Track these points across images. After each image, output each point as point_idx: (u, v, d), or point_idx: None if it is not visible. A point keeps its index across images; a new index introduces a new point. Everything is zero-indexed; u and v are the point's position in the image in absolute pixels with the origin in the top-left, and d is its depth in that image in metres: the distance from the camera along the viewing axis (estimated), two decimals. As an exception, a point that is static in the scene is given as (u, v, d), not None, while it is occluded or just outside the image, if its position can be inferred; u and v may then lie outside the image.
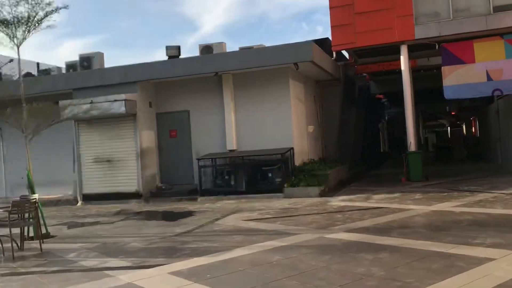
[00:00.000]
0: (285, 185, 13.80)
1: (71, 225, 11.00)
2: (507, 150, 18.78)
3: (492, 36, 15.71)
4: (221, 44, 16.05)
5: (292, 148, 14.98)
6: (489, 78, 15.70)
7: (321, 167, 15.30)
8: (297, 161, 15.39)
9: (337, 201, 12.09)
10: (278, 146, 14.88)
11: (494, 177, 15.50)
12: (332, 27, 16.96)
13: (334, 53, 17.43)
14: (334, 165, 16.80)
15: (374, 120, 36.20)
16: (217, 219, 10.14)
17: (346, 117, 21.37)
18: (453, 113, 39.91)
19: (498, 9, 15.28)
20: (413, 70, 20.54)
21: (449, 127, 48.58)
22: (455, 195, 11.65)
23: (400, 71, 24.03)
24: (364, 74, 27.66)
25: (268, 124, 15.24)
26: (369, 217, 9.15)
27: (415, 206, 10.31)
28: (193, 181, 15.78)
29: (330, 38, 17.23)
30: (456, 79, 16.04)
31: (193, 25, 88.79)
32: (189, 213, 11.54)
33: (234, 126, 15.52)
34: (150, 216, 12.18)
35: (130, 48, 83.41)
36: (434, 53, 18.95)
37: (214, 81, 15.61)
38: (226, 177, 14.77)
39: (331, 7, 16.91)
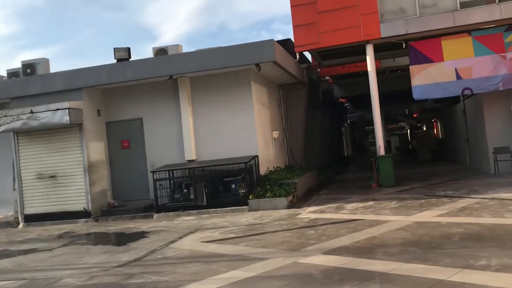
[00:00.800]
0: (250, 197, 12.60)
1: (1, 255, 9.40)
2: (476, 151, 18.27)
3: (461, 33, 15.11)
4: (176, 47, 14.72)
5: (257, 156, 13.82)
6: (458, 76, 15.07)
7: (288, 175, 14.19)
8: (263, 170, 14.24)
9: (307, 213, 10.99)
10: (242, 154, 13.68)
11: (468, 179, 14.83)
12: (294, 27, 15.99)
13: (297, 55, 16.42)
14: (302, 172, 15.75)
15: (338, 124, 35.63)
16: (172, 242, 8.79)
17: (311, 121, 20.43)
18: (415, 115, 39.94)
19: (465, 4, 14.69)
20: (377, 72, 19.88)
21: (409, 130, 48.81)
22: (433, 201, 10.76)
23: (364, 74, 23.51)
24: (327, 78, 27.01)
25: (230, 131, 14.03)
26: (346, 233, 8.06)
27: (395, 216, 9.31)
28: (149, 196, 14.33)
29: (293, 39, 16.24)
30: (425, 79, 15.34)
31: (153, 34, 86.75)
32: (141, 234, 10.13)
33: (193, 134, 14.21)
34: (97, 239, 10.70)
35: (89, 59, 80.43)
36: (401, 53, 18.35)
37: (169, 85, 14.29)
38: (185, 190, 13.43)
39: (292, 6, 15.94)
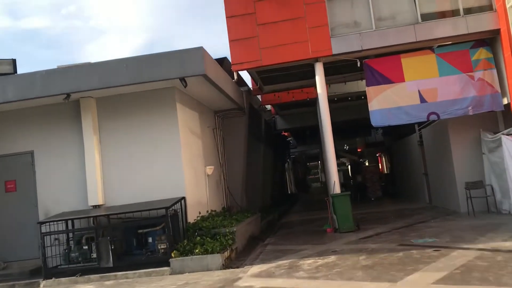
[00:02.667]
0: (173, 255, 9.39)
1: None
2: (438, 187, 16.16)
3: (423, 50, 13.11)
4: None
5: (184, 198, 10.71)
6: (422, 99, 12.92)
7: (225, 222, 11.14)
8: (192, 216, 11.13)
9: (250, 278, 7.95)
10: (165, 196, 10.55)
11: (439, 220, 12.47)
12: (230, 41, 13.38)
13: (235, 75, 13.72)
14: (242, 217, 12.76)
15: (281, 160, 33.18)
16: None
17: (253, 155, 17.67)
18: (359, 149, 38.41)
19: (426, 17, 12.73)
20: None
21: (349, 166, 47.32)
22: (416, 255, 8.10)
23: (310, 103, 21.24)
24: (269, 108, 24.58)
25: (149, 167, 10.89)
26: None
27: (374, 284, 6.50)
28: (40, 255, 10.71)
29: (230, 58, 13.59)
30: (384, 102, 13.07)
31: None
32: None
33: (100, 172, 10.91)
34: None
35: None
36: (353, 76, 16.23)
37: (69, 109, 11.03)
38: (85, 247, 9.99)
39: (228, 16, 13.38)
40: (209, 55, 10.53)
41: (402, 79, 13.06)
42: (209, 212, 12.53)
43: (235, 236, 10.61)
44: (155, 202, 10.22)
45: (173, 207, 10.11)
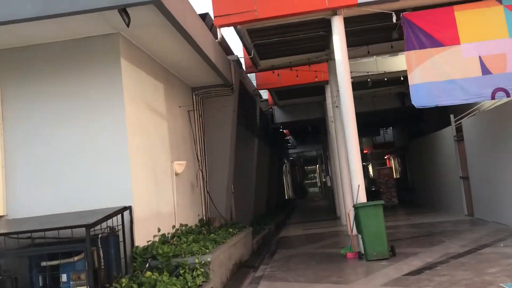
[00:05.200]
0: (97, 308, 5.43)
1: None
2: (484, 194, 12.26)
3: (485, 0, 9.23)
4: None
5: (129, 208, 6.75)
6: (485, 70, 9.03)
7: (194, 247, 7.16)
8: (145, 235, 7.19)
9: None
10: (106, 204, 6.61)
11: (509, 241, 8.58)
12: (213, -13, 9.50)
13: (219, 33, 9.78)
14: (225, 235, 8.83)
15: (279, 161, 29.25)
16: None
17: (244, 151, 13.77)
18: (365, 151, 34.52)
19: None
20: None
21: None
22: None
23: (315, 91, 17.33)
24: (265, 98, 20.67)
25: (76, 159, 6.94)
26: None
27: None
28: None
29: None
30: (431, 73, 9.16)
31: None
32: None
33: (0, 166, 6.97)
34: None
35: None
36: (377, 48, 12.39)
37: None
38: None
39: (211, -48, 9.46)
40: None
41: (456, 41, 9.15)
42: (177, 228, 8.59)
43: (209, 270, 6.68)
44: (76, 213, 6.27)
45: (107, 223, 6.16)
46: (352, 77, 10.05)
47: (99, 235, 6.09)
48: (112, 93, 6.96)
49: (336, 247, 10.12)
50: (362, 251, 8.63)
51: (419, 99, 9.14)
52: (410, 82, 9.18)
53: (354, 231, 9.06)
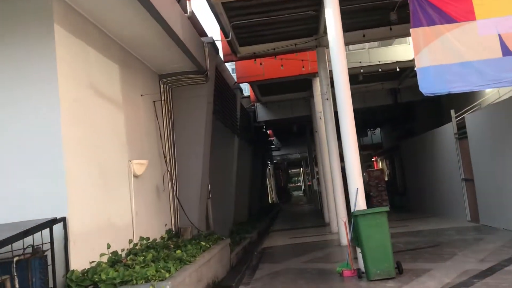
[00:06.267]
0: None
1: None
2: (492, 198, 10.85)
3: (505, -32, 7.82)
4: None
5: (63, 221, 5.09)
6: (506, 50, 7.60)
7: (152, 269, 5.51)
8: (88, 255, 5.54)
9: None
10: (23, 217, 4.94)
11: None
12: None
13: (188, 5, 8.17)
14: (196, 250, 7.20)
15: (262, 162, 27.67)
16: None
17: (222, 150, 12.18)
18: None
19: None
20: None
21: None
22: None
23: (301, 85, 15.87)
24: (247, 94, 19.15)
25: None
26: None
27: None
28: None
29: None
30: (441, 54, 7.70)
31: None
32: None
33: None
34: None
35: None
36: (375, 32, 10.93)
37: None
38: None
39: None
40: None
41: (471, 16, 7.72)
42: (136, 243, 6.94)
43: (169, 301, 5.05)
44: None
45: (26, 241, 4.50)
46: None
47: (14, 259, 4.44)
48: (42, 64, 5.31)
49: (329, 261, 8.61)
50: (363, 269, 7.10)
51: (427, 85, 7.65)
52: (417, 65, 7.71)
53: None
